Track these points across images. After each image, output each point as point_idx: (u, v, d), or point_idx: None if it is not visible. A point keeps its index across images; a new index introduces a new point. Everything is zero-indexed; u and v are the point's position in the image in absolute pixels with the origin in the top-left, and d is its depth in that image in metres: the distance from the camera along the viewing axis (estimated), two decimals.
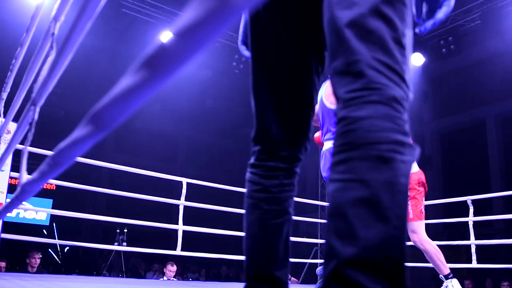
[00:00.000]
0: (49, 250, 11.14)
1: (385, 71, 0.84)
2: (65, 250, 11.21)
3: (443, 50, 9.30)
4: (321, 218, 9.73)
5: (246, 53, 1.36)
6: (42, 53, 1.43)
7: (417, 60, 9.52)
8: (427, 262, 3.94)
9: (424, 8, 1.14)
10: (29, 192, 1.15)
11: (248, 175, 1.25)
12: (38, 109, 1.31)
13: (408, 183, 0.79)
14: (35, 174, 1.04)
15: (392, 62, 0.85)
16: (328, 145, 2.96)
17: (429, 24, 1.13)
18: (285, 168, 1.18)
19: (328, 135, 2.96)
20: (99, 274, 7.92)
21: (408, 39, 0.91)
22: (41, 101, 1.28)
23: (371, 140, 0.78)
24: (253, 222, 1.18)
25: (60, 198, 11.08)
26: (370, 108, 0.80)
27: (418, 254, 4.81)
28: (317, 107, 3.06)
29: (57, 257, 11.14)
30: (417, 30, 1.17)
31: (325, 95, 3.00)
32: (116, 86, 0.56)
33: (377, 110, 0.80)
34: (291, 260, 3.81)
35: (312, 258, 9.02)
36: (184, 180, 5.36)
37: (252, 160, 1.24)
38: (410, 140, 0.82)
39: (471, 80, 10.79)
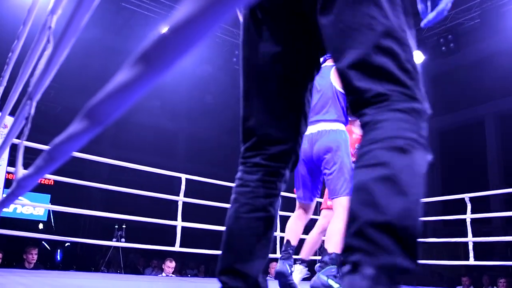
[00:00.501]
0: (44, 243, 11.14)
1: (402, 75, 0.94)
2: (66, 245, 11.21)
3: (443, 48, 9.31)
4: (318, 215, 9.74)
5: None
6: (39, 46, 1.42)
7: (416, 57, 9.51)
8: (427, 259, 3.97)
9: (429, 2, 1.17)
10: (25, 187, 1.14)
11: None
12: (34, 104, 1.30)
13: (424, 172, 0.89)
14: (31, 169, 1.03)
15: (403, 89, 0.93)
16: (335, 126, 2.88)
17: (431, 15, 1.15)
18: (268, 166, 1.19)
19: (328, 116, 2.90)
20: (97, 270, 7.92)
21: (414, 57, 1.01)
22: (38, 96, 1.27)
23: (391, 135, 0.88)
24: (230, 215, 1.20)
25: (58, 193, 11.06)
26: (389, 114, 0.90)
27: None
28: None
29: (57, 253, 11.15)
30: (422, 24, 1.19)
31: (334, 78, 2.92)
32: (112, 81, 0.55)
33: (396, 115, 0.90)
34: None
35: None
36: (183, 176, 5.35)
37: (240, 158, 1.23)
38: (425, 142, 0.92)
39: (470, 78, 10.79)
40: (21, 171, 1.21)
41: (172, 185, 5.77)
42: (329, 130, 2.87)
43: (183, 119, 12.77)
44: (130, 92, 0.50)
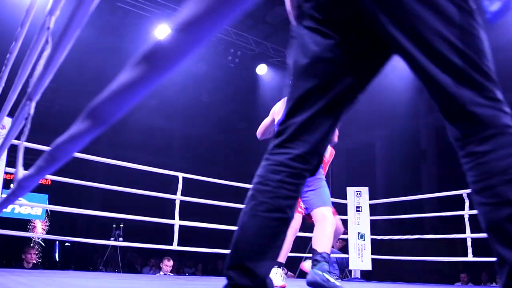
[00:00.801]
0: (40, 241, 11.13)
1: (486, 103, 1.00)
2: (65, 244, 11.20)
3: None
4: None
5: None
6: (37, 47, 1.42)
7: None
8: (425, 255, 4.00)
9: None
10: (26, 187, 1.15)
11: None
12: (34, 104, 1.31)
13: None
14: (32, 170, 1.04)
15: (488, 92, 1.01)
16: None
17: (495, 6, 1.18)
18: (292, 167, 1.18)
19: None
20: (95, 269, 7.92)
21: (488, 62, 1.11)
22: (37, 96, 1.28)
23: (504, 167, 0.94)
24: (246, 211, 1.21)
25: (55, 193, 11.05)
26: (492, 142, 0.96)
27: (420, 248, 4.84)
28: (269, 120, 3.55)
29: (55, 251, 11.14)
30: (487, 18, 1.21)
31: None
32: (114, 81, 0.56)
33: (499, 142, 0.96)
34: (287, 254, 3.79)
35: (308, 253, 9.06)
36: (180, 175, 5.36)
37: (265, 154, 1.23)
38: None
39: None
40: (21, 172, 1.22)
41: (168, 184, 5.77)
42: None
43: (178, 117, 12.75)
44: (133, 92, 0.51)
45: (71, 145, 0.73)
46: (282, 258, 3.46)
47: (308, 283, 2.78)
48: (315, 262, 2.83)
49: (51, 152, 0.83)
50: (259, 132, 3.71)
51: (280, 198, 1.17)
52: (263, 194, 1.18)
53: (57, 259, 11.07)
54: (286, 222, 1.18)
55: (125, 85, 0.52)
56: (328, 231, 3.03)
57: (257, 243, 1.15)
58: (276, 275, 3.37)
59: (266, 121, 3.70)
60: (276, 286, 3.13)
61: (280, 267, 3.44)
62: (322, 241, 2.95)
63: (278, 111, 3.57)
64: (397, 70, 10.14)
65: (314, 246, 2.98)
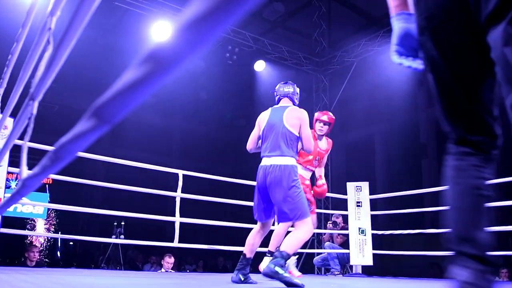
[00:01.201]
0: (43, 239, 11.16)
1: None
2: (69, 243, 11.22)
3: None
4: (317, 208, 9.77)
5: (408, 63, 1.40)
6: (38, 48, 1.43)
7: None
8: (426, 250, 4.02)
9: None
10: (30, 186, 1.16)
11: (457, 162, 1.32)
12: (36, 104, 1.32)
13: None
14: (36, 169, 1.05)
15: None
16: (284, 161, 3.33)
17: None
18: (483, 152, 1.30)
19: (279, 152, 3.36)
20: (97, 267, 7.94)
21: None
22: (40, 96, 1.29)
23: None
24: (458, 192, 1.30)
25: (56, 192, 11.08)
26: None
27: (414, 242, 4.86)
28: (257, 131, 3.66)
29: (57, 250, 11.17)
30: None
31: (286, 118, 3.46)
32: (120, 79, 0.57)
33: None
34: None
35: (308, 248, 9.08)
36: (180, 172, 5.37)
37: (462, 149, 1.31)
38: None
39: None
40: (25, 171, 1.23)
41: (169, 182, 5.79)
42: (280, 164, 3.31)
43: (177, 115, 12.77)
44: (139, 91, 0.52)
45: (76, 144, 0.74)
46: (273, 248, 3.84)
47: (263, 274, 3.01)
48: (273, 257, 3.04)
49: (56, 151, 0.84)
50: (248, 145, 3.74)
51: (482, 179, 1.29)
52: (466, 177, 1.29)
53: (59, 258, 11.10)
54: (490, 198, 1.29)
55: (130, 84, 0.53)
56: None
57: (476, 219, 1.26)
58: (266, 263, 3.69)
59: (253, 133, 3.72)
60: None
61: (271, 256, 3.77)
62: (289, 242, 3.14)
63: (262, 120, 3.62)
64: (395, 64, 10.16)
65: (282, 244, 3.19)
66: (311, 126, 4.35)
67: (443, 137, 1.39)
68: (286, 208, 3.20)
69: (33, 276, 3.06)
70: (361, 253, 6.46)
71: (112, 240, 6.43)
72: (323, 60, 10.74)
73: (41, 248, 10.60)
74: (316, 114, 4.77)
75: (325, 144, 4.81)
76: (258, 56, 10.26)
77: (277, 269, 2.92)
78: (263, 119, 3.61)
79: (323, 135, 4.78)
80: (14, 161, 3.60)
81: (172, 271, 6.71)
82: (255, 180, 3.51)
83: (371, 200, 6.57)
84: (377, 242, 6.81)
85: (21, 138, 1.41)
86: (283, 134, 3.41)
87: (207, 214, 5.90)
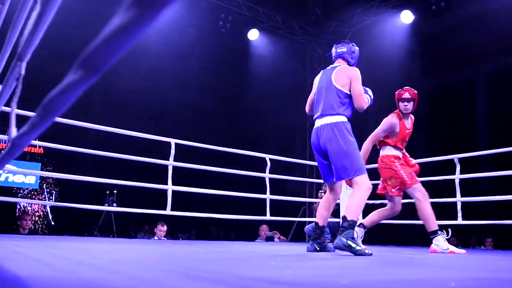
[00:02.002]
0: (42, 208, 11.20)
1: None
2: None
3: (433, 7, 9.24)
4: (309, 177, 9.84)
5: None
6: (26, 8, 1.41)
7: (406, 17, 9.46)
8: (415, 219, 4.08)
9: None
10: (20, 146, 1.16)
11: None
12: (24, 65, 1.31)
13: None
14: (25, 127, 1.05)
15: None
16: (335, 119, 3.40)
17: None
18: None
19: (331, 111, 3.43)
20: (90, 235, 8.02)
21: None
22: (28, 57, 1.28)
23: None
24: None
25: (48, 161, 11.07)
26: None
27: (406, 212, 4.92)
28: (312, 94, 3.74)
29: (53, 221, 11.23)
30: None
31: (335, 78, 3.52)
32: (106, 27, 0.57)
33: None
34: (279, 219, 4.14)
35: (300, 217, 9.20)
36: (173, 141, 5.38)
37: None
38: None
39: (460, 39, 10.74)
40: (14, 131, 1.23)
41: (162, 150, 5.80)
42: (331, 123, 3.39)
43: (170, 84, 12.66)
44: (125, 36, 0.52)
45: (65, 96, 0.75)
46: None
47: (334, 248, 3.16)
48: (342, 229, 3.11)
49: (44, 106, 0.84)
50: (306, 108, 3.90)
51: None
52: None
53: (53, 226, 11.18)
54: None
55: (116, 30, 0.54)
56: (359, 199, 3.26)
57: None
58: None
59: (310, 97, 3.83)
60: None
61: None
62: (353, 208, 3.20)
63: (314, 84, 3.73)
64: (391, 34, 10.09)
65: (345, 212, 3.22)
66: (394, 106, 4.42)
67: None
68: (346, 163, 3.27)
69: (26, 242, 3.09)
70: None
71: (105, 207, 6.48)
72: (317, 29, 10.65)
73: (36, 217, 10.68)
74: (396, 93, 4.46)
75: (410, 122, 4.49)
76: (252, 25, 10.15)
77: (350, 242, 3.04)
78: (315, 82, 3.71)
79: (409, 113, 4.46)
80: (4, 130, 3.58)
81: (164, 239, 6.79)
82: (247, 150, 3.57)
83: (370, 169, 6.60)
84: (369, 211, 6.89)
85: (9, 102, 1.41)
86: (333, 93, 3.47)
87: (200, 184, 5.94)
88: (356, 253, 3.02)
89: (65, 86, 0.72)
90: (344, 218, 3.17)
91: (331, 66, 3.72)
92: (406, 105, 4.33)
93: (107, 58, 0.62)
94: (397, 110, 4.38)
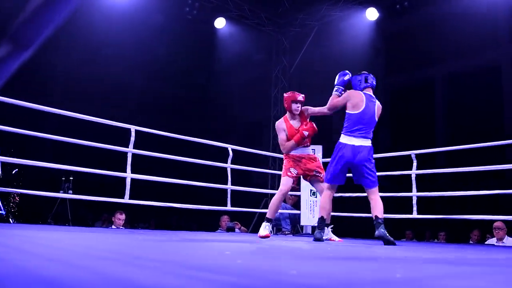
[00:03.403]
0: None
1: None
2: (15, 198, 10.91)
3: (397, 6, 9.39)
4: (271, 169, 9.89)
5: None
6: None
7: (371, 15, 9.58)
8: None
9: None
10: None
11: None
12: None
13: None
14: None
15: None
16: (364, 143, 4.19)
17: None
18: None
19: (370, 137, 4.26)
20: (44, 223, 7.81)
21: None
22: None
23: None
24: None
25: (1, 146, 10.67)
26: None
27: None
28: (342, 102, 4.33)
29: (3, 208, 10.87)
30: None
31: (377, 112, 4.37)
32: None
33: None
34: (241, 209, 4.25)
35: (262, 208, 9.23)
36: (133, 127, 5.30)
37: None
38: None
39: (423, 38, 10.99)
40: None
41: (124, 138, 5.69)
42: (367, 146, 4.19)
43: (135, 71, 12.45)
44: (59, 4, 0.49)
45: None
46: (271, 215, 4.55)
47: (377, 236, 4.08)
48: (378, 224, 4.07)
49: None
50: (332, 107, 4.48)
51: None
52: None
53: (3, 213, 10.83)
54: None
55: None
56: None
57: None
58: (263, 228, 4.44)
59: (340, 102, 4.38)
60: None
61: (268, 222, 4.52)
62: (380, 208, 4.20)
63: (360, 101, 4.24)
64: (356, 30, 10.21)
65: (375, 212, 4.15)
66: (283, 108, 4.91)
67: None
68: (371, 177, 4.17)
69: None
70: (312, 214, 6.64)
71: (60, 194, 6.32)
72: (284, 21, 10.65)
73: None
74: (289, 95, 4.65)
75: (298, 123, 4.71)
76: (219, 13, 10.06)
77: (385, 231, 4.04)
78: (360, 100, 4.22)
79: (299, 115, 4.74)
80: None
81: (123, 228, 6.69)
82: (211, 139, 3.58)
83: (323, 163, 6.67)
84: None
85: None
86: (374, 124, 4.28)
87: (160, 172, 5.87)
88: (389, 240, 4.03)
89: None
90: (377, 216, 4.12)
91: (369, 93, 4.34)
92: (298, 107, 4.64)
93: (38, 31, 0.58)
94: (286, 114, 4.73)
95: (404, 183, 6.54)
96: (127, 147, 5.30)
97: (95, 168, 5.05)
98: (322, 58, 11.40)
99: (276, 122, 4.73)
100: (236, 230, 7.37)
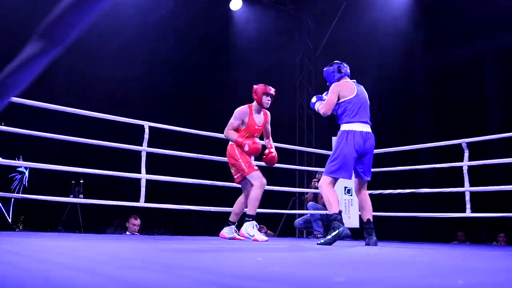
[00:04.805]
0: None
1: None
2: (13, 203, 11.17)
3: None
4: (299, 165, 9.87)
5: None
6: None
7: None
8: (418, 211, 4.18)
9: None
10: None
11: None
12: None
13: None
14: None
15: None
16: (369, 129, 4.29)
17: None
18: None
19: (368, 122, 4.30)
20: (54, 230, 7.97)
21: None
22: None
23: None
24: None
25: (4, 147, 10.90)
26: None
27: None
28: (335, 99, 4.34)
29: (6, 213, 11.14)
30: None
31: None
32: None
33: None
34: (266, 211, 4.34)
35: (289, 209, 9.24)
36: (146, 124, 5.35)
37: None
38: None
39: (470, 9, 10.70)
40: None
41: (132, 136, 5.75)
42: (372, 132, 4.29)
43: (140, 65, 12.53)
44: (91, 2, 0.51)
45: (24, 72, 0.73)
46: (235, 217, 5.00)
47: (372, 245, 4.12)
48: (371, 231, 4.23)
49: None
50: (328, 110, 4.41)
51: None
52: None
53: (9, 220, 11.09)
54: None
55: None
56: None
57: None
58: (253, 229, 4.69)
59: (333, 100, 4.34)
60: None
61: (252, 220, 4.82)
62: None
63: (348, 89, 4.36)
64: (388, 4, 10.07)
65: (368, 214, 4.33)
66: (252, 99, 5.02)
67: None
68: (371, 167, 4.34)
69: None
70: (347, 214, 6.62)
71: (70, 199, 6.44)
72: None
73: None
74: (261, 87, 4.96)
75: (263, 120, 5.09)
76: None
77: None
78: (348, 86, 4.35)
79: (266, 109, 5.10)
80: None
81: (138, 234, 6.78)
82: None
83: (325, 155, 6.58)
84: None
85: None
86: (369, 108, 4.39)
87: (176, 171, 5.92)
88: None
89: (24, 59, 0.71)
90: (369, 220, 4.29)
91: (353, 81, 4.51)
92: (269, 100, 4.95)
93: (72, 28, 0.61)
94: (252, 104, 5.01)
95: (454, 177, 6.42)
96: (137, 145, 5.34)
97: (106, 169, 5.12)
98: (352, 37, 11.29)
99: (240, 108, 4.96)
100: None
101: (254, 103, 5.00)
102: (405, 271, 1.76)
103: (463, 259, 2.65)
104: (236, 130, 4.94)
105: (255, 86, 5.01)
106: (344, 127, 4.24)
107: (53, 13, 0.61)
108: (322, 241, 3.98)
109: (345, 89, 4.33)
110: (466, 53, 11.09)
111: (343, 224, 3.95)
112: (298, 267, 1.82)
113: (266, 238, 4.92)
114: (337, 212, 4.03)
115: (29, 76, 0.77)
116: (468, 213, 5.67)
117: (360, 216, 6.50)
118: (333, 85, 4.39)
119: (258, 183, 4.76)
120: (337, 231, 3.89)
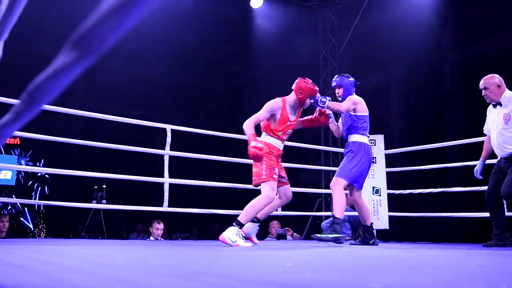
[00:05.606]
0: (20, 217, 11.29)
1: None
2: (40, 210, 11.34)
3: None
4: (324, 165, 9.83)
5: None
6: None
7: None
8: (448, 211, 4.13)
9: None
10: (3, 137, 1.17)
11: None
12: (2, 44, 1.32)
13: None
14: (8, 116, 1.06)
15: None
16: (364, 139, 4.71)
17: None
18: None
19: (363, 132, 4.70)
20: (76, 236, 8.08)
21: None
22: (5, 35, 1.28)
23: None
24: None
25: (26, 153, 11.09)
26: None
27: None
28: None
29: (31, 222, 11.32)
30: None
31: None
32: (104, 1, 0.57)
33: None
34: (292, 213, 4.36)
35: (316, 211, 9.22)
36: (168, 127, 5.38)
37: None
38: None
39: (502, 0, 10.55)
40: None
41: (154, 139, 5.80)
42: None
43: (163, 63, 12.63)
44: (129, 11, 0.52)
45: (56, 81, 0.75)
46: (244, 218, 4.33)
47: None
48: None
49: (32, 92, 0.84)
50: (337, 133, 5.12)
51: None
52: None
53: (31, 227, 11.27)
54: None
55: (117, 4, 0.54)
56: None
57: None
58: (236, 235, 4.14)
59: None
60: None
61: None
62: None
63: (364, 104, 4.79)
64: None
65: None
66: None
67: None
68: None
69: (8, 247, 3.12)
70: (376, 215, 6.57)
71: (93, 205, 6.52)
72: None
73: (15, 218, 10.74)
74: (310, 87, 4.56)
75: (296, 114, 4.73)
76: None
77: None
78: (365, 105, 4.74)
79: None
80: None
81: (162, 239, 6.83)
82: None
83: (386, 155, 6.62)
84: (394, 203, 6.90)
85: None
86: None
87: (200, 175, 5.95)
88: None
89: (56, 69, 0.72)
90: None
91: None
92: (309, 104, 4.64)
93: (106, 36, 0.62)
94: (287, 98, 4.55)
95: (488, 175, 6.31)
96: (160, 148, 5.39)
97: (129, 173, 5.17)
98: (377, 32, 11.20)
99: (272, 101, 4.48)
100: (288, 237, 7.40)
101: (291, 98, 4.54)
102: (444, 276, 1.74)
103: (501, 262, 2.60)
104: (267, 126, 4.47)
105: (301, 81, 4.56)
106: (362, 139, 4.67)
107: (88, 21, 0.62)
108: (323, 235, 4.39)
109: (364, 106, 4.73)
110: (499, 46, 10.89)
111: (343, 232, 4.48)
112: (330, 272, 1.81)
113: (250, 244, 4.35)
114: (341, 218, 4.45)
115: (60, 85, 0.78)
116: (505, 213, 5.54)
117: (389, 217, 6.48)
118: (354, 96, 4.75)
119: (267, 194, 4.31)
120: (337, 235, 4.34)
